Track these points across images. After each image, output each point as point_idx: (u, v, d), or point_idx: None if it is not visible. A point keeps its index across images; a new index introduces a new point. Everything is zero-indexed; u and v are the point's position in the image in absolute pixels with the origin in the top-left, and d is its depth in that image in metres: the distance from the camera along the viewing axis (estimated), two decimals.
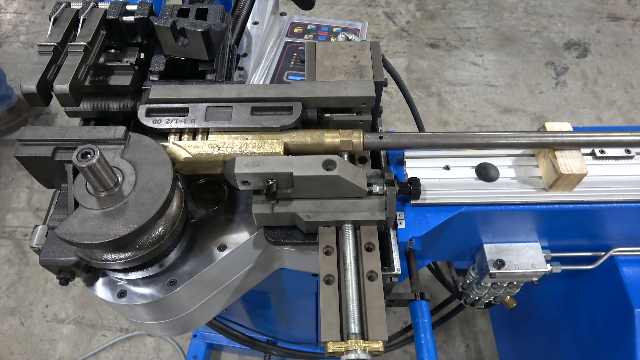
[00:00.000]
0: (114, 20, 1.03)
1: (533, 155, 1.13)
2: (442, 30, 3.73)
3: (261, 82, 1.35)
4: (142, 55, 1.07)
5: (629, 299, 1.19)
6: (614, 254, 1.23)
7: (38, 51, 0.95)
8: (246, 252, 1.05)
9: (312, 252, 1.05)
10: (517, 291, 1.33)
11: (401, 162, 1.13)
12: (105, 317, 2.57)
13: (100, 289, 0.96)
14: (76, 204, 0.83)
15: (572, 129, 1.08)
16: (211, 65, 1.09)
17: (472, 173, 1.11)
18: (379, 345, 0.82)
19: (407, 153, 1.13)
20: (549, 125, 1.09)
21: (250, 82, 1.36)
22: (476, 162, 1.12)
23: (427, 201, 1.06)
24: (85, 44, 0.95)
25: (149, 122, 0.96)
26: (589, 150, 1.12)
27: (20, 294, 2.63)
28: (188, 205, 1.02)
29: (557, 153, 1.04)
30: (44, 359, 2.47)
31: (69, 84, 0.89)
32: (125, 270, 0.93)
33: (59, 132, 0.91)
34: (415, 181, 1.02)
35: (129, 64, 1.02)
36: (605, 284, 1.27)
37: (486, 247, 1.17)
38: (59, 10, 1.02)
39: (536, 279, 1.19)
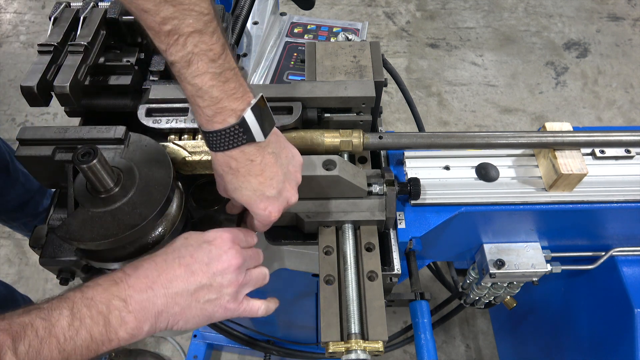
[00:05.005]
0: (114, 20, 1.03)
1: (533, 155, 1.13)
2: (442, 30, 3.72)
3: (261, 82, 1.35)
4: (142, 55, 1.07)
5: (629, 299, 1.19)
6: (614, 254, 1.23)
7: (38, 51, 0.95)
8: None
9: (312, 252, 1.05)
10: (517, 291, 1.33)
11: (401, 162, 1.13)
12: None
13: None
14: (76, 204, 0.83)
15: (572, 129, 1.08)
16: None
17: (472, 173, 1.11)
18: (379, 345, 0.82)
19: (407, 153, 1.13)
20: (549, 125, 1.09)
21: (250, 82, 1.36)
22: (476, 162, 1.12)
23: (427, 201, 1.06)
24: (85, 43, 0.95)
25: (149, 122, 0.96)
26: (589, 150, 1.13)
27: None
28: (188, 205, 1.02)
29: (557, 153, 1.04)
30: None
31: (69, 84, 0.89)
32: None
33: (59, 132, 0.91)
34: (415, 181, 1.02)
35: (129, 64, 1.02)
36: (605, 284, 1.27)
37: (486, 247, 1.17)
38: (59, 10, 1.02)
39: (536, 279, 1.19)
